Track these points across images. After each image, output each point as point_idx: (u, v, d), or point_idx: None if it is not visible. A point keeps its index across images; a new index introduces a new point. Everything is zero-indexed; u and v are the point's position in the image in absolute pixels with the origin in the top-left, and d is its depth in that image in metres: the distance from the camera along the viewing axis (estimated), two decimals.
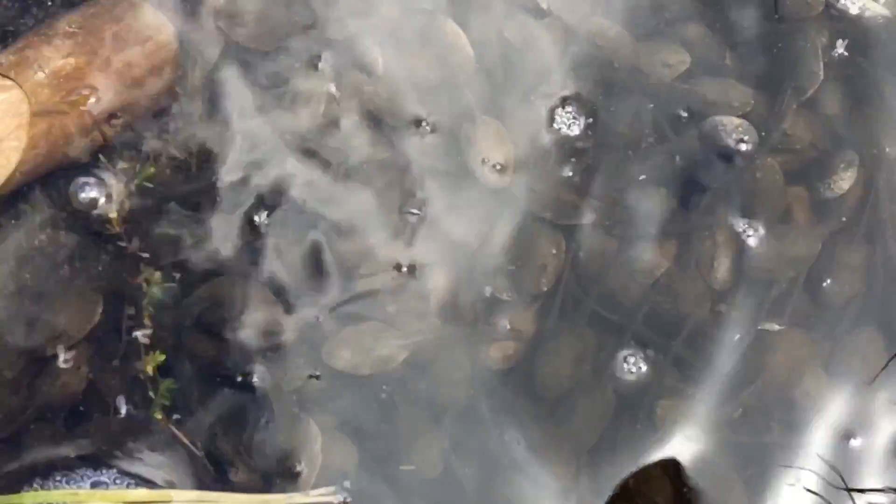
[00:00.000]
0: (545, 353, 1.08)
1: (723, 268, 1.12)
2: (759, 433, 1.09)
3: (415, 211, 1.11)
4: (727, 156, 1.16)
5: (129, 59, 1.13)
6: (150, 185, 1.09)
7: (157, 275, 1.07)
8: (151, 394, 1.04)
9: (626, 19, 1.20)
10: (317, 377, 1.05)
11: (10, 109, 1.06)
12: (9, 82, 1.06)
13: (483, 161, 1.12)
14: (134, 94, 1.13)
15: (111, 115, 1.12)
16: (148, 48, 1.14)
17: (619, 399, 1.08)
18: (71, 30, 1.13)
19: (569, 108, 1.16)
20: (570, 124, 1.15)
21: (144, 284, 1.07)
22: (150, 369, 1.05)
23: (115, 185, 1.09)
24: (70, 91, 1.10)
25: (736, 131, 1.16)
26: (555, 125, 1.15)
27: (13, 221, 1.07)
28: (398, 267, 1.09)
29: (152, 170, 1.10)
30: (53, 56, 1.10)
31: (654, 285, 1.11)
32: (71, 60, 1.10)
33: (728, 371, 1.09)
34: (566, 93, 1.16)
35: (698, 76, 1.20)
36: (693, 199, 1.15)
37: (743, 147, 1.16)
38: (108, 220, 1.08)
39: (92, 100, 1.10)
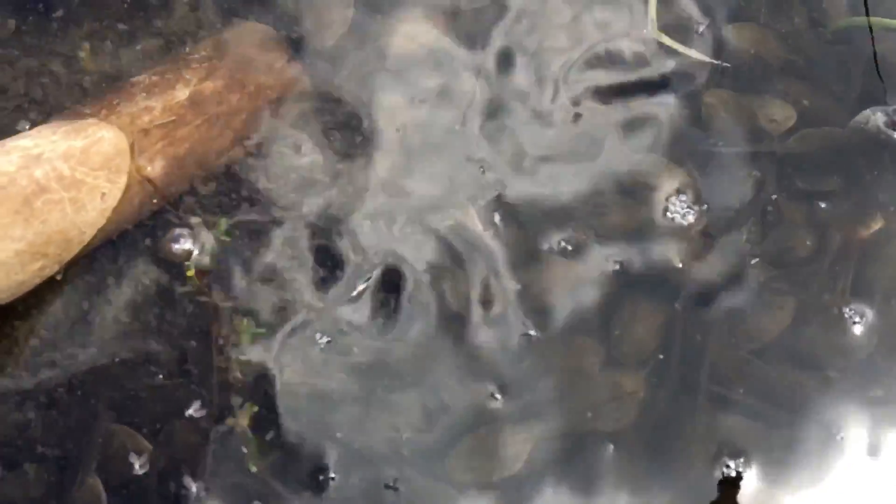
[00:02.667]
0: None
1: None
2: None
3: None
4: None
5: (260, 82, 1.19)
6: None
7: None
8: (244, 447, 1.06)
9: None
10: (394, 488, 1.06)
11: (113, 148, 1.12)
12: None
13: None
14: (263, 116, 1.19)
15: (245, 137, 1.18)
16: (275, 72, 1.20)
17: None
18: (206, 54, 1.19)
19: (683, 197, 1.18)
20: (685, 213, 1.18)
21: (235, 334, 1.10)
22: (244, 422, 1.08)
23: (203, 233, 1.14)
24: (209, 112, 1.16)
25: None
26: (668, 214, 1.18)
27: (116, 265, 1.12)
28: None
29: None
30: (193, 78, 1.17)
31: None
32: (209, 84, 1.17)
33: None
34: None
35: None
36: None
37: None
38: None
39: (231, 120, 1.17)
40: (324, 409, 1.06)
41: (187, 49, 1.20)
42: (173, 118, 1.14)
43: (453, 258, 1.12)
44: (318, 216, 1.14)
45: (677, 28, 1.23)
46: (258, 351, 1.08)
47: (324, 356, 1.08)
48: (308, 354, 1.08)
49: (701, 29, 1.22)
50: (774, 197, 1.18)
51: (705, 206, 1.16)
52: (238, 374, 1.07)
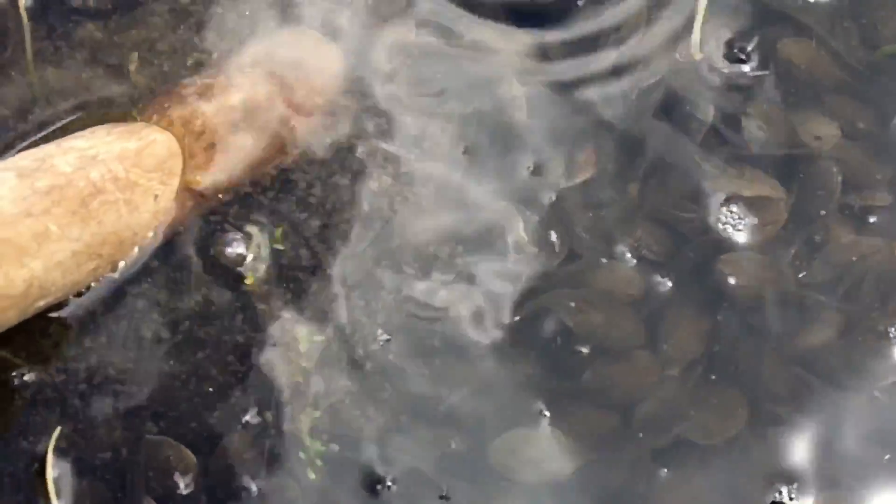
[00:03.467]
0: None
1: None
2: None
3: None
4: None
5: (311, 87, 1.20)
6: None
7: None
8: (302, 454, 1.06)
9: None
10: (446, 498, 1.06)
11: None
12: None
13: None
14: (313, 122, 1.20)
15: (295, 142, 1.19)
16: (324, 78, 1.21)
17: None
18: (258, 59, 1.20)
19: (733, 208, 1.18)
20: (736, 224, 1.18)
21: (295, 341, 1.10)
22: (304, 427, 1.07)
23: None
24: (261, 118, 1.17)
25: None
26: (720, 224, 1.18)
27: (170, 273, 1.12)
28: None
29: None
30: (245, 83, 1.17)
31: None
32: (261, 89, 1.17)
33: None
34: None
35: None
36: None
37: None
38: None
39: (282, 126, 1.18)
40: (382, 417, 1.07)
41: (238, 55, 1.20)
42: (225, 122, 1.15)
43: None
44: (373, 218, 1.15)
45: (727, 43, 1.24)
46: (316, 358, 1.08)
47: (381, 361, 1.09)
48: (365, 361, 1.09)
49: (751, 46, 1.23)
50: (823, 213, 1.18)
51: (755, 218, 1.17)
52: (299, 380, 1.07)
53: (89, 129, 1.11)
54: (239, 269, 1.12)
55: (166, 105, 1.15)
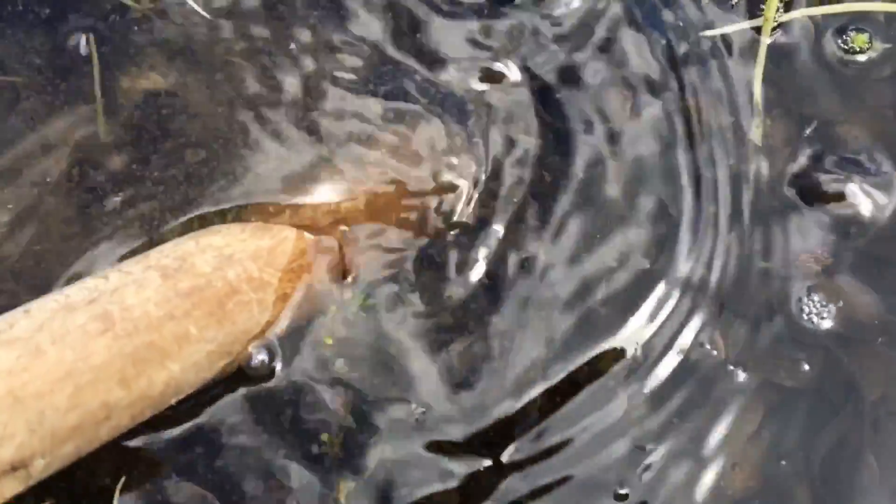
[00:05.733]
0: None
1: None
2: None
3: None
4: None
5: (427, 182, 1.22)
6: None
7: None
8: None
9: None
10: None
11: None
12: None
13: None
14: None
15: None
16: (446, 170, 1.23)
17: None
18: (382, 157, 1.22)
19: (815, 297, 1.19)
20: (821, 312, 1.18)
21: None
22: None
23: None
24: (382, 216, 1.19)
25: None
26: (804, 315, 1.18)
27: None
28: None
29: None
30: (369, 181, 1.20)
31: None
32: (384, 188, 1.19)
33: None
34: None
35: None
36: None
37: None
38: None
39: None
40: None
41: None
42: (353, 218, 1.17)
43: None
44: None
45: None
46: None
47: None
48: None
49: (808, 131, 1.24)
50: None
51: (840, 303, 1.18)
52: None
53: (225, 226, 1.14)
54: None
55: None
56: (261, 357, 1.10)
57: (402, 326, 1.15)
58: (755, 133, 1.23)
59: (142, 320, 0.99)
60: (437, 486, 1.09)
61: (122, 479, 1.06)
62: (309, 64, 1.24)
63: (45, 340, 0.94)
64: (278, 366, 1.12)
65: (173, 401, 1.05)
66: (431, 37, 1.26)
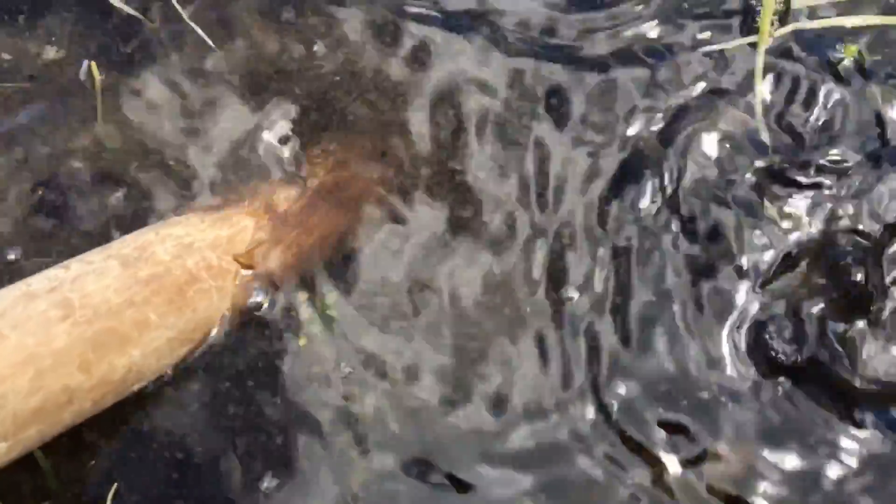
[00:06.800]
0: None
1: None
2: None
3: None
4: None
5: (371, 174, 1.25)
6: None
7: None
8: None
9: None
10: None
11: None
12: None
13: None
14: None
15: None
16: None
17: None
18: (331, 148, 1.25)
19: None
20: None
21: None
22: None
23: None
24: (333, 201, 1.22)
25: None
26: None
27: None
28: None
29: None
30: (320, 168, 1.22)
31: None
32: (334, 174, 1.22)
33: None
34: None
35: None
36: None
37: None
38: None
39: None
40: None
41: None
42: (306, 207, 1.20)
43: None
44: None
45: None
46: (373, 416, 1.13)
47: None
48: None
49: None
50: None
51: None
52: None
53: (185, 216, 1.16)
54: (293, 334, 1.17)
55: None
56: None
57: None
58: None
59: (101, 307, 1.02)
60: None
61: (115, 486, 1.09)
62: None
63: (6, 326, 0.96)
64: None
65: (136, 387, 1.08)
66: None
